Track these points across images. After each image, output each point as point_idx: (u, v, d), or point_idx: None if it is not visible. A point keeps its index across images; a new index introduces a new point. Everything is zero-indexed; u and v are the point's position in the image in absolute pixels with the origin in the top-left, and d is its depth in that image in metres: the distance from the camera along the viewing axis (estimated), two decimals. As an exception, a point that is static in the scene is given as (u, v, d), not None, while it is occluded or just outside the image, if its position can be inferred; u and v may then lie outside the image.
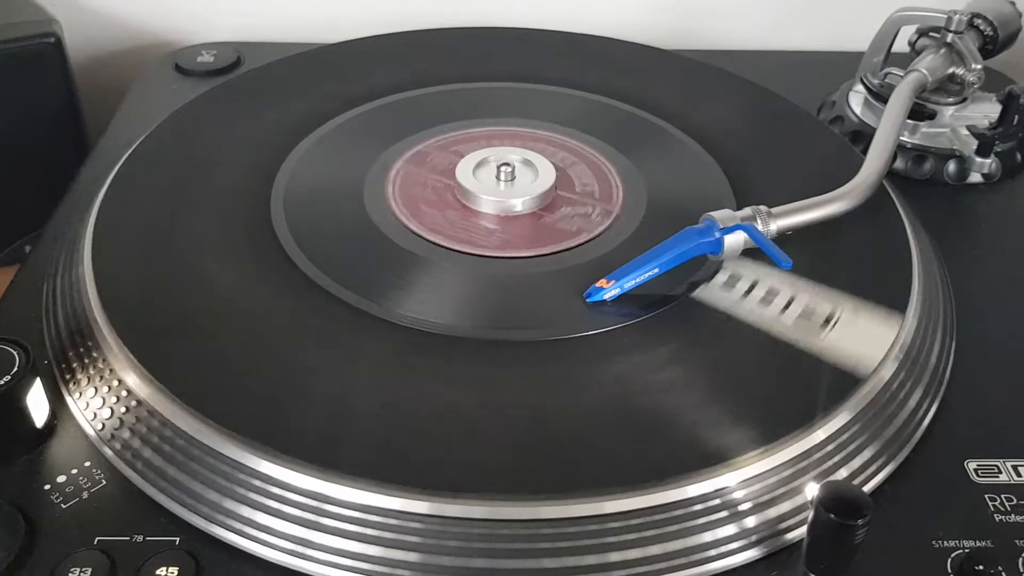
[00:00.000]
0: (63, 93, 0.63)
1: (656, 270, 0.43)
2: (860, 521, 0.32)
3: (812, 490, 0.33)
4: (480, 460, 0.36)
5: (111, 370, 0.39)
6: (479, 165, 0.50)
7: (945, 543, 0.36)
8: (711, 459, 0.36)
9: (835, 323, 0.42)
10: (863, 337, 0.42)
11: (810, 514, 0.33)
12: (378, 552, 0.34)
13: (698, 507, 0.36)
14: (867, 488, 0.38)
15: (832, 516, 0.32)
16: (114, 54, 0.73)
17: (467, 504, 0.35)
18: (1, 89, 0.60)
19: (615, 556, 0.34)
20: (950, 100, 0.59)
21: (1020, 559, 0.36)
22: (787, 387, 0.40)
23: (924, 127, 0.58)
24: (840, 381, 0.40)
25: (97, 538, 0.35)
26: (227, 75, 0.65)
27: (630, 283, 0.43)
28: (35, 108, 0.62)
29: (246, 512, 0.35)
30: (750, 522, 0.36)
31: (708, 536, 0.35)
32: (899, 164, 0.57)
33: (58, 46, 0.61)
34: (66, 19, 0.63)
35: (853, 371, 0.40)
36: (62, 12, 0.64)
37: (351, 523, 0.35)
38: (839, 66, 0.66)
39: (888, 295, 0.44)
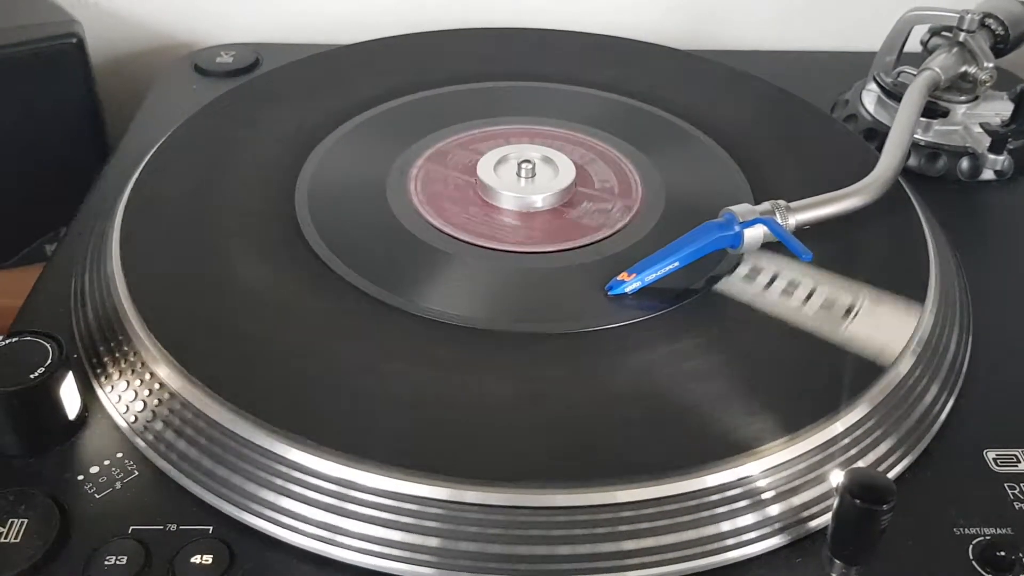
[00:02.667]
0: (84, 94, 0.63)
1: (676, 264, 0.44)
2: (885, 507, 0.32)
3: (837, 477, 0.34)
4: (503, 449, 0.37)
5: (142, 363, 0.40)
6: (500, 162, 0.51)
7: (966, 530, 0.37)
8: (732, 449, 0.37)
9: (856, 313, 0.43)
10: (884, 327, 0.42)
11: (835, 501, 0.34)
12: (403, 537, 0.35)
13: (722, 496, 0.36)
14: (887, 478, 0.38)
15: (858, 502, 0.32)
16: (133, 55, 0.74)
17: (488, 491, 0.35)
18: (23, 90, 0.61)
19: (649, 542, 0.35)
20: (962, 98, 0.59)
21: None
22: (806, 380, 0.40)
23: (937, 125, 0.59)
24: (859, 373, 0.40)
25: (131, 527, 0.36)
26: (246, 76, 0.66)
27: (651, 276, 0.44)
28: (56, 109, 0.62)
29: (278, 500, 0.36)
30: (773, 510, 0.36)
31: (733, 524, 0.36)
32: (913, 161, 0.58)
33: (80, 47, 0.61)
34: (86, 20, 0.64)
35: (874, 362, 0.41)
36: (82, 13, 0.65)
37: (378, 509, 0.35)
38: (850, 66, 0.67)
39: (906, 289, 0.45)
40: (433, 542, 0.35)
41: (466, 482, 0.35)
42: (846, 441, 0.38)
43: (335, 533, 0.35)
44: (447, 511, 0.35)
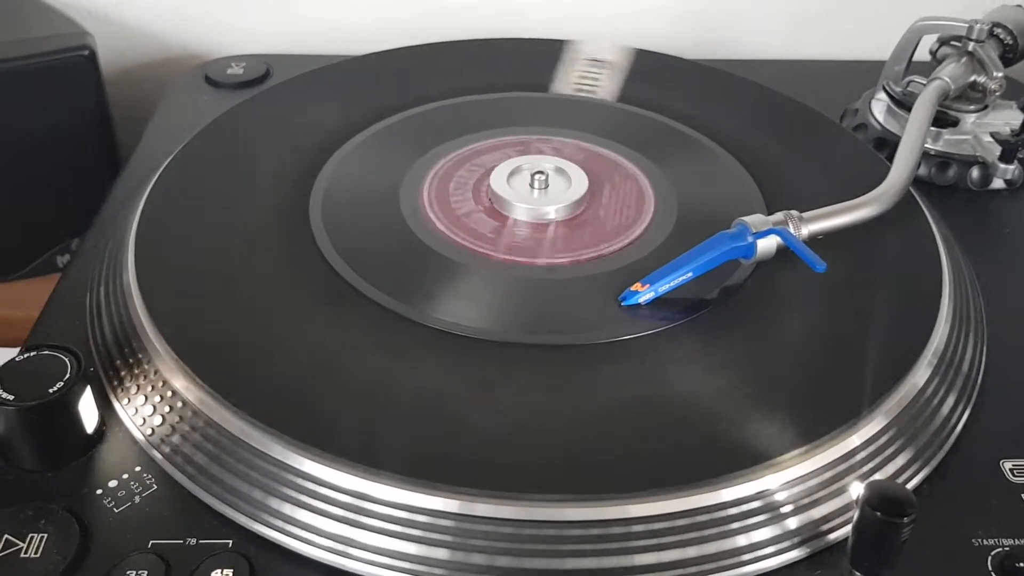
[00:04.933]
0: (96, 106, 0.63)
1: (690, 274, 0.44)
2: (906, 519, 0.32)
3: (857, 489, 0.34)
4: (516, 462, 0.37)
5: (160, 376, 0.40)
6: (513, 173, 0.51)
7: (984, 541, 0.37)
8: (748, 462, 0.37)
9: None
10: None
11: (855, 513, 0.34)
12: (416, 549, 0.35)
13: (739, 509, 0.36)
14: (904, 490, 0.38)
15: (878, 514, 0.32)
16: (144, 67, 0.74)
17: (501, 504, 0.35)
18: (35, 102, 0.61)
19: (664, 556, 0.35)
20: (972, 108, 0.59)
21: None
22: (822, 392, 0.40)
23: (947, 134, 0.59)
24: (876, 385, 0.40)
25: (151, 541, 0.36)
26: (257, 87, 0.66)
27: (664, 287, 0.44)
28: (68, 120, 0.62)
29: (296, 513, 0.36)
30: (791, 523, 0.36)
31: (751, 537, 0.36)
32: (923, 171, 0.58)
33: (92, 59, 0.61)
34: (97, 32, 0.64)
35: (890, 373, 0.41)
36: (93, 25, 0.65)
37: (393, 522, 0.35)
38: (859, 75, 0.67)
39: (920, 300, 0.45)
40: (446, 554, 0.35)
41: (479, 495, 0.35)
42: (863, 454, 0.38)
43: (351, 546, 0.35)
44: (460, 524, 0.35)
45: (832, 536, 0.37)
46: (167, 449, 0.39)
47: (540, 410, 0.39)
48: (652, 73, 0.64)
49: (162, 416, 0.39)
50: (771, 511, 0.36)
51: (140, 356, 0.41)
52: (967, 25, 0.58)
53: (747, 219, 0.45)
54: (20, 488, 0.38)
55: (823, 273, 0.43)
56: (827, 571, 0.36)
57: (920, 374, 0.41)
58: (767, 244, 0.45)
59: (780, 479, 0.37)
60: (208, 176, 0.52)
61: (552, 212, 0.49)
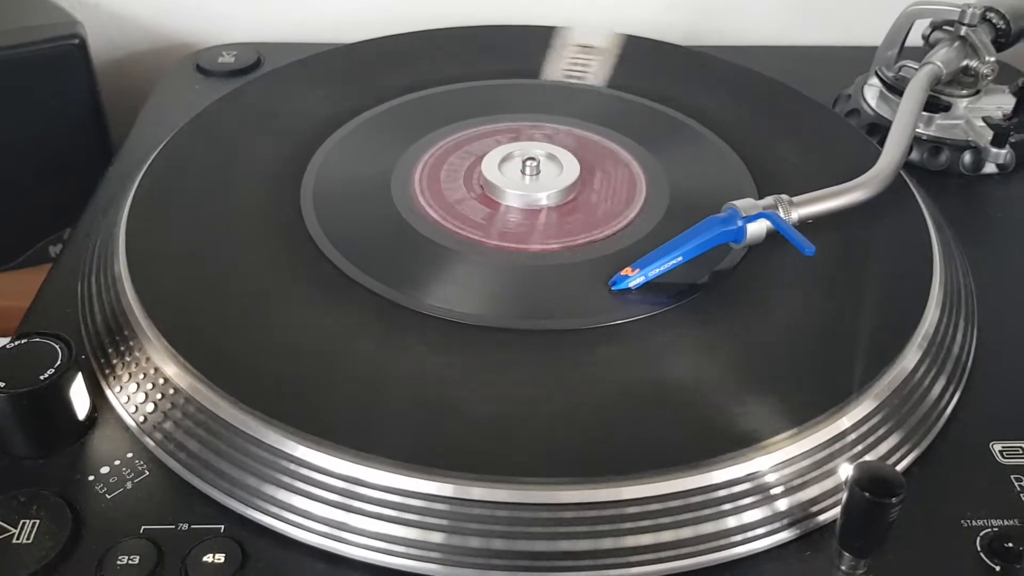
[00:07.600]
0: (87, 95, 0.63)
1: (680, 258, 0.44)
2: (894, 499, 0.32)
3: (846, 470, 0.34)
4: (508, 446, 0.37)
5: (151, 363, 0.40)
6: (504, 160, 0.51)
7: (974, 522, 0.37)
8: (739, 445, 0.37)
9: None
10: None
11: (844, 494, 0.34)
12: (411, 533, 0.35)
13: (729, 491, 0.36)
14: (894, 471, 0.38)
15: (867, 495, 0.33)
16: (135, 56, 0.74)
17: (495, 488, 0.35)
18: (26, 91, 0.61)
19: (656, 537, 0.35)
20: (964, 92, 0.59)
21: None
22: (811, 375, 0.41)
23: (939, 119, 0.59)
24: (866, 368, 0.40)
25: (143, 527, 0.36)
26: (248, 75, 0.66)
27: (654, 271, 0.44)
28: (59, 110, 0.62)
29: (288, 498, 0.36)
30: (781, 505, 0.37)
31: (741, 519, 0.36)
32: (915, 156, 0.58)
33: (82, 48, 0.61)
34: (88, 21, 0.64)
35: (880, 356, 0.41)
36: (84, 14, 0.65)
37: (386, 506, 0.35)
38: (852, 60, 0.67)
39: (910, 283, 0.45)
40: (441, 538, 0.35)
41: (473, 479, 0.35)
42: (853, 436, 0.38)
43: (345, 531, 0.36)
44: (454, 507, 0.35)
45: (822, 517, 0.37)
46: (159, 435, 0.39)
47: (532, 394, 0.39)
48: (644, 59, 0.64)
49: (154, 403, 0.39)
50: (762, 493, 0.36)
51: (131, 343, 0.41)
52: (959, 10, 0.58)
53: (737, 203, 0.45)
54: (12, 474, 0.38)
55: (812, 257, 0.43)
56: (817, 552, 0.36)
57: (910, 357, 0.41)
58: (757, 228, 0.45)
59: (770, 461, 0.37)
60: (199, 164, 0.52)
61: (544, 198, 0.49)
